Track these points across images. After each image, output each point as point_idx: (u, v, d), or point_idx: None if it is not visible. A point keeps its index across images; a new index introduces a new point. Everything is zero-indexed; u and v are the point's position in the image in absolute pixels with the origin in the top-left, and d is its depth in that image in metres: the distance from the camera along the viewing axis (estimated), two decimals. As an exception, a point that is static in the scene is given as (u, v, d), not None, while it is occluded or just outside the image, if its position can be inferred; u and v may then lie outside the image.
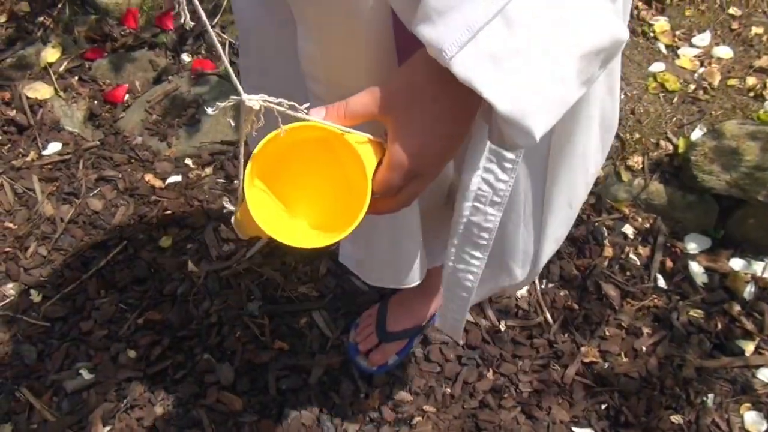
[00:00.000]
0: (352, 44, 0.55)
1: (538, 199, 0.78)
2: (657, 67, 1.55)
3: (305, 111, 0.48)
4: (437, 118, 0.49)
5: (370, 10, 0.52)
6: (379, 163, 0.51)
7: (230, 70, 0.46)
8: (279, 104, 0.46)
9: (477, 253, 0.72)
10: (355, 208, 0.48)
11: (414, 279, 0.98)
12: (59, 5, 1.87)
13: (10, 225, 1.49)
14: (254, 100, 0.45)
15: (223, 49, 1.73)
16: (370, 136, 0.51)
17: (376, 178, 0.50)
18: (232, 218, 0.55)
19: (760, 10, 1.60)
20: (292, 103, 0.47)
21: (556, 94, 0.45)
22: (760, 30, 1.57)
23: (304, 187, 0.54)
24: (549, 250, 0.85)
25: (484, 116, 0.49)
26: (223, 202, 1.34)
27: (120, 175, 1.57)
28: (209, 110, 0.47)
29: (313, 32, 0.56)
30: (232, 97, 0.45)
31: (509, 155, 0.63)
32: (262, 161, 0.48)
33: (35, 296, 1.39)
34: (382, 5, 0.52)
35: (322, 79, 0.60)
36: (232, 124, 1.60)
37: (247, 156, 0.49)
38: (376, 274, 1.00)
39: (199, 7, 0.40)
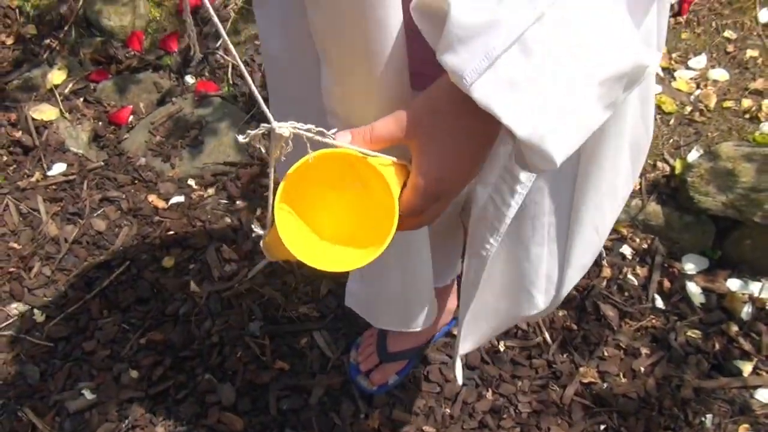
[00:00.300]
0: (371, 84, 0.56)
1: (563, 222, 0.78)
2: (654, 89, 1.57)
3: (332, 137, 0.49)
4: (459, 143, 0.50)
5: (389, 52, 0.53)
6: (404, 185, 0.53)
7: (259, 98, 0.47)
8: (307, 130, 0.48)
9: (493, 241, 0.73)
10: (383, 230, 0.49)
11: (421, 322, 0.99)
12: (65, 28, 1.90)
13: (15, 245, 1.51)
14: (284, 128, 0.46)
15: (226, 72, 1.75)
16: (395, 159, 0.52)
17: (401, 199, 0.52)
18: (261, 242, 0.56)
19: (755, 34, 1.62)
20: (320, 129, 0.48)
21: (576, 119, 0.45)
22: (755, 53, 1.59)
23: (330, 210, 0.55)
24: (573, 277, 0.84)
25: (507, 139, 0.50)
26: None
27: (123, 196, 1.59)
28: (240, 137, 0.47)
29: (336, 71, 0.58)
30: (263, 125, 0.47)
31: (522, 179, 0.65)
32: (290, 186, 0.50)
33: (39, 316, 1.41)
34: (399, 48, 0.54)
35: (341, 115, 0.62)
36: (239, 139, 1.62)
37: (276, 182, 0.50)
38: (386, 317, 1.01)
39: (237, 57, 0.42)
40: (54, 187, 1.62)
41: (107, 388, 1.30)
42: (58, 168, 1.64)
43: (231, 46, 0.43)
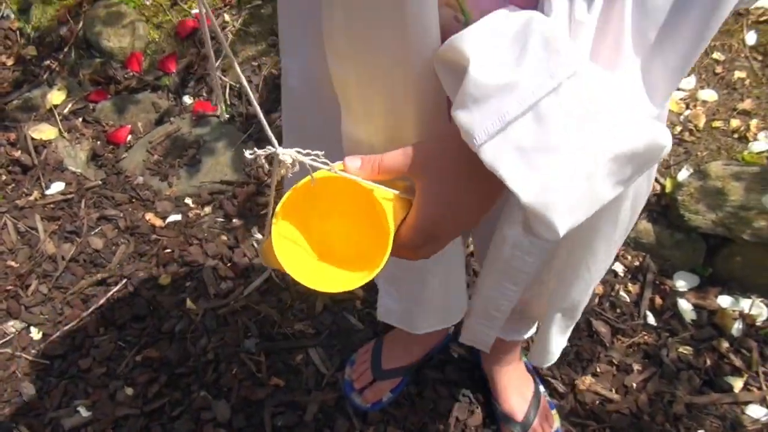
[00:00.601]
0: (391, 133, 0.57)
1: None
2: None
3: (336, 167, 0.50)
4: (463, 191, 0.51)
5: (420, 96, 0.54)
6: (404, 219, 0.53)
7: (264, 121, 0.48)
8: (312, 159, 0.48)
9: (514, 287, 0.74)
10: (376, 258, 0.50)
11: (460, 315, 0.99)
12: (65, 49, 1.93)
13: (12, 263, 1.52)
14: (287, 154, 0.47)
15: (224, 93, 1.78)
16: (398, 193, 0.53)
17: (398, 233, 0.52)
18: (258, 245, 0.58)
19: (742, 55, 1.65)
20: (324, 159, 0.49)
21: (584, 193, 0.45)
22: (742, 74, 1.62)
23: (328, 230, 0.56)
24: (557, 316, 0.87)
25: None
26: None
27: (121, 214, 1.61)
28: (247, 153, 0.48)
29: (356, 119, 0.59)
30: (269, 147, 0.47)
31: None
32: (291, 201, 0.51)
33: (35, 334, 1.41)
34: (433, 93, 0.53)
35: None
36: (246, 155, 1.64)
37: (277, 200, 0.52)
38: (426, 321, 1.01)
39: (252, 96, 0.44)
40: (52, 205, 1.63)
41: (103, 405, 1.30)
42: (57, 187, 1.66)
43: (236, 66, 0.44)
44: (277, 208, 0.51)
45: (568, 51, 0.43)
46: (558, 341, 0.96)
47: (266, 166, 0.55)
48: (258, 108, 0.46)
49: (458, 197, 0.51)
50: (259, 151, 0.48)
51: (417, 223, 0.52)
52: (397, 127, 0.57)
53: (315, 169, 0.49)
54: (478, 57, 0.45)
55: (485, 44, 0.45)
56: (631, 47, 0.44)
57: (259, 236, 0.55)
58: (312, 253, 0.56)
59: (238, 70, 0.43)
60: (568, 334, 0.97)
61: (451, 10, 0.52)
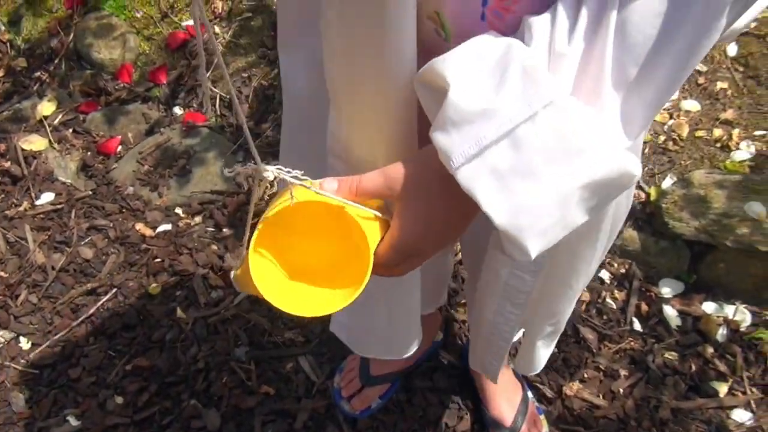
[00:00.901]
0: (377, 135, 0.58)
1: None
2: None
3: (316, 185, 0.51)
4: (440, 211, 0.52)
5: (400, 108, 0.55)
6: (382, 239, 0.54)
7: (250, 139, 0.47)
8: (294, 177, 0.49)
9: (515, 310, 0.75)
10: (357, 278, 0.50)
11: (407, 351, 1.00)
12: (56, 61, 1.94)
13: (2, 273, 1.52)
14: (269, 171, 0.47)
15: (214, 104, 1.79)
16: (377, 213, 0.54)
17: (377, 252, 0.53)
18: (232, 273, 0.57)
19: (724, 67, 1.69)
20: (305, 177, 0.50)
21: (556, 218, 0.46)
22: (724, 85, 1.66)
23: (308, 253, 0.56)
24: (543, 328, 0.88)
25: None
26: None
27: (111, 224, 1.61)
28: (226, 171, 0.48)
29: (344, 118, 0.60)
30: (250, 164, 0.48)
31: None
32: (268, 228, 0.51)
33: (24, 344, 1.41)
34: (409, 106, 0.55)
35: (343, 158, 0.64)
36: (225, 173, 1.65)
37: (259, 215, 0.51)
38: (370, 347, 1.02)
39: (238, 106, 0.44)
40: (42, 216, 1.64)
41: (92, 414, 1.30)
42: (46, 197, 1.67)
43: (227, 75, 0.45)
44: (254, 236, 0.50)
45: (545, 81, 0.44)
46: (543, 352, 0.98)
47: (248, 182, 0.55)
48: (243, 120, 0.46)
49: (434, 218, 0.53)
50: (240, 168, 0.48)
51: (394, 241, 0.53)
52: (383, 132, 0.58)
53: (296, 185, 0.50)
54: (458, 82, 0.46)
55: (466, 70, 0.47)
56: (610, 81, 0.45)
57: (232, 263, 0.54)
58: (292, 277, 0.55)
59: (227, 76, 0.44)
60: (554, 345, 0.99)
61: (434, 24, 0.53)
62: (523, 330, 0.98)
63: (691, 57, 0.45)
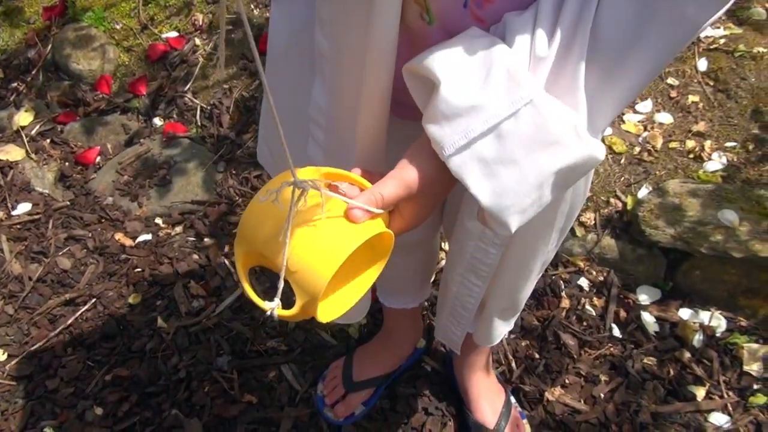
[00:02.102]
0: (356, 102, 0.61)
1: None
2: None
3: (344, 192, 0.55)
4: (437, 195, 0.59)
5: (380, 77, 0.58)
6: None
7: (287, 151, 0.48)
8: (332, 188, 0.54)
9: (478, 281, 0.81)
10: (371, 259, 0.58)
11: (357, 316, 1.05)
12: (33, 71, 1.93)
13: (-23, 284, 1.49)
14: (306, 183, 0.50)
15: (194, 114, 1.79)
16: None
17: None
18: (273, 311, 0.57)
19: (695, 81, 1.74)
20: (335, 184, 0.55)
21: (533, 198, 0.53)
22: (696, 98, 1.71)
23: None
24: (498, 302, 0.92)
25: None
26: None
27: (90, 235, 1.60)
28: (261, 197, 0.51)
29: (327, 85, 0.63)
30: (284, 182, 0.50)
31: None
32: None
33: (1, 355, 1.38)
34: (388, 76, 0.59)
35: (323, 126, 0.67)
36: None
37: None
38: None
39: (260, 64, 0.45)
40: (18, 226, 1.61)
41: (71, 426, 1.28)
42: (23, 207, 1.64)
43: (251, 40, 0.46)
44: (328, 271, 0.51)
45: (526, 82, 0.50)
46: (501, 327, 1.01)
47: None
48: (279, 126, 0.46)
49: (432, 202, 0.59)
50: (277, 188, 0.50)
51: (406, 226, 0.59)
52: (362, 99, 0.60)
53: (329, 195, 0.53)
54: (447, 78, 0.52)
55: (453, 66, 0.53)
56: (583, 78, 0.51)
57: (273, 304, 0.53)
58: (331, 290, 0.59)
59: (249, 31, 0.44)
60: (512, 323, 1.04)
61: (419, 8, 0.56)
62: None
63: (663, 55, 0.51)
